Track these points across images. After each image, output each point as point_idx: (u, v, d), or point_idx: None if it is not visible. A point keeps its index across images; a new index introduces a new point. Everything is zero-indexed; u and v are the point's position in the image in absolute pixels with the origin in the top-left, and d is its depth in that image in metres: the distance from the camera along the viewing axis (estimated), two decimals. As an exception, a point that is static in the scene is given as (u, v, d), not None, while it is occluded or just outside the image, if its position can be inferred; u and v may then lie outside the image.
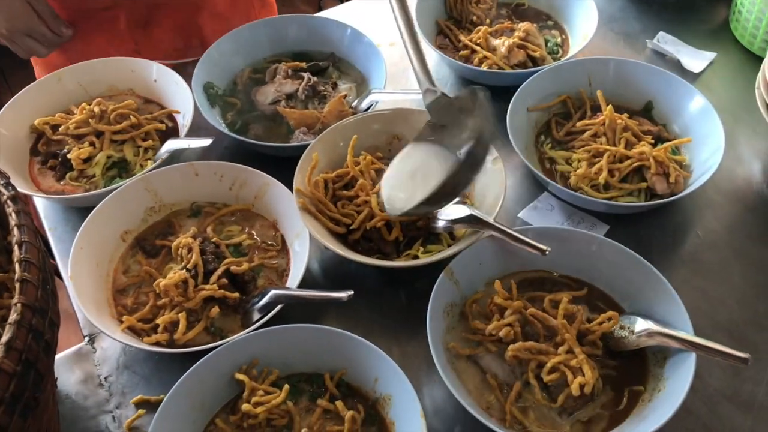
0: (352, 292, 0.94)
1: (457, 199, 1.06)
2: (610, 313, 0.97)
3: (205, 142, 1.17)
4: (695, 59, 1.43)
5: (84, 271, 1.03)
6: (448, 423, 0.94)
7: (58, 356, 1.01)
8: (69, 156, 1.20)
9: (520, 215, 1.18)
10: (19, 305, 0.68)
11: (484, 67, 1.34)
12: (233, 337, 0.94)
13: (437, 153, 1.03)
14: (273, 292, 1.00)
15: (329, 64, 1.40)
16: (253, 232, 1.13)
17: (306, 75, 1.34)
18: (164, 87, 1.32)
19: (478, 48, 1.38)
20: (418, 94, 1.27)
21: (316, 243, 1.05)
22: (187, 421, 0.89)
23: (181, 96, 1.28)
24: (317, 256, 1.13)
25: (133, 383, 1.00)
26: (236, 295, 1.03)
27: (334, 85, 1.35)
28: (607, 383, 0.94)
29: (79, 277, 1.01)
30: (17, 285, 0.69)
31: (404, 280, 1.09)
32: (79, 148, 1.20)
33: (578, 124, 1.23)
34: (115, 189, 1.11)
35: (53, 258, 1.16)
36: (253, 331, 0.94)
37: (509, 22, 1.45)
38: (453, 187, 1.00)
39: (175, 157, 1.22)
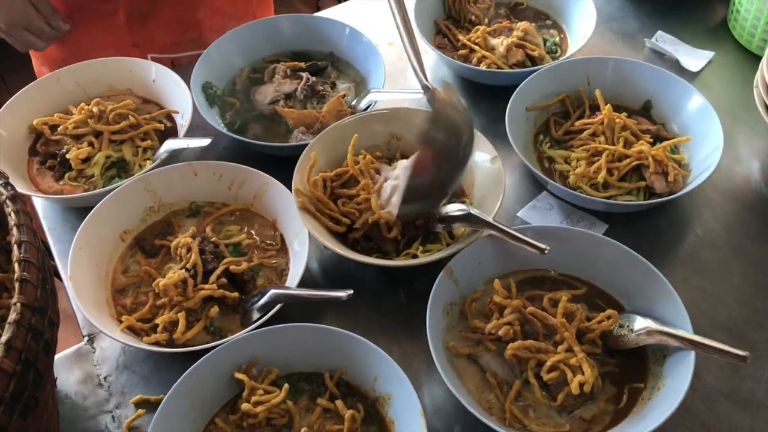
0: (352, 292, 0.94)
1: (448, 196, 1.07)
2: (609, 311, 0.97)
3: (204, 141, 1.17)
4: (693, 58, 1.43)
5: (83, 271, 1.03)
6: (448, 422, 0.94)
7: (57, 356, 1.01)
8: (68, 156, 1.20)
9: (519, 214, 1.18)
10: (18, 305, 0.68)
11: (482, 67, 1.34)
12: (233, 336, 0.94)
13: None
14: (272, 291, 1.00)
15: (328, 64, 1.40)
16: (252, 231, 1.13)
17: (305, 75, 1.34)
18: (163, 87, 1.32)
19: (476, 47, 1.38)
20: (417, 93, 1.28)
21: (316, 242, 1.05)
22: (186, 421, 0.89)
23: (179, 96, 1.28)
24: (316, 256, 1.13)
25: (133, 383, 1.00)
26: (235, 294, 1.03)
27: (333, 85, 1.35)
28: (609, 381, 0.94)
29: (78, 277, 1.01)
30: (17, 285, 0.69)
31: (404, 279, 1.10)
32: (78, 148, 1.20)
33: (577, 123, 1.23)
34: (114, 189, 1.11)
35: (52, 258, 1.16)
36: (252, 330, 0.94)
37: (508, 21, 1.45)
38: (440, 186, 1.03)
39: (174, 157, 1.22)
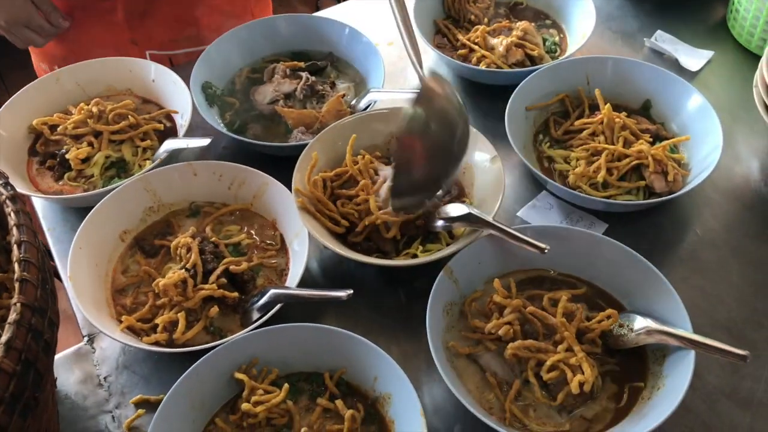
0: (352, 291, 0.94)
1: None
2: (609, 311, 0.97)
3: (204, 141, 1.17)
4: (693, 58, 1.43)
5: (83, 271, 1.03)
6: (448, 421, 0.94)
7: (57, 356, 1.01)
8: (67, 156, 1.20)
9: (518, 214, 1.18)
10: (18, 305, 0.68)
11: (482, 66, 1.34)
12: (233, 336, 0.94)
13: None
14: (272, 291, 1.00)
15: (327, 64, 1.40)
16: (252, 231, 1.13)
17: (304, 74, 1.34)
18: (162, 87, 1.32)
19: (476, 47, 1.38)
20: (416, 93, 1.27)
21: (315, 242, 1.05)
22: (186, 421, 0.89)
23: (179, 96, 1.28)
24: (316, 256, 1.13)
25: (133, 383, 1.00)
26: (235, 294, 1.03)
27: (333, 85, 1.35)
28: (609, 380, 0.94)
29: (78, 277, 1.01)
30: (17, 285, 0.69)
31: (403, 279, 1.10)
32: (78, 148, 1.20)
33: (576, 122, 1.23)
34: (114, 189, 1.11)
35: (51, 259, 1.16)
36: (252, 330, 0.94)
37: (507, 21, 1.45)
38: (433, 180, 1.02)
39: (174, 156, 1.22)
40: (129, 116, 1.24)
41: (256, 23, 1.42)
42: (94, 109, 1.23)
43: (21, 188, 1.14)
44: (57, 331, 0.77)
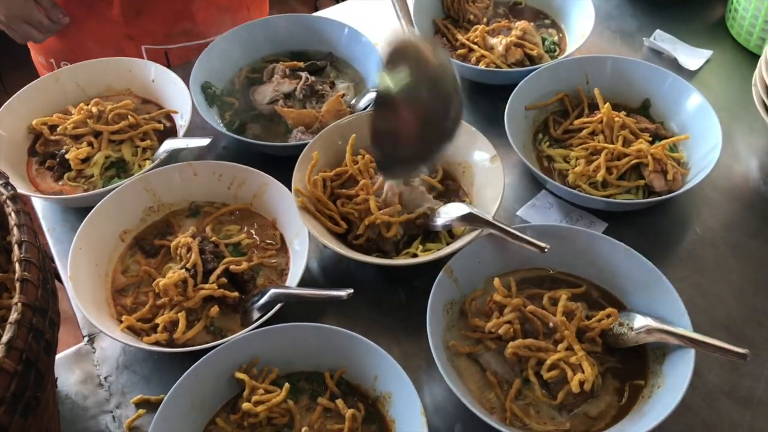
0: (352, 291, 0.94)
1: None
2: (609, 310, 0.97)
3: (204, 141, 1.17)
4: (692, 57, 1.43)
5: (83, 271, 1.03)
6: (449, 421, 0.94)
7: (57, 356, 1.00)
8: (67, 156, 1.19)
9: (518, 213, 1.18)
10: (19, 305, 0.68)
11: (481, 66, 1.34)
12: (233, 336, 0.94)
13: None
14: (272, 291, 1.00)
15: (327, 64, 1.40)
16: (252, 231, 1.13)
17: (304, 74, 1.34)
18: (162, 87, 1.32)
19: (475, 47, 1.38)
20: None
21: (316, 242, 1.05)
22: (187, 421, 0.89)
23: (178, 96, 1.28)
24: (316, 255, 1.13)
25: (133, 383, 1.00)
26: (236, 294, 1.03)
27: (332, 85, 1.35)
28: (610, 376, 0.95)
29: (78, 278, 1.01)
30: (17, 284, 0.69)
31: (403, 278, 1.10)
32: (77, 149, 1.20)
33: (576, 122, 1.24)
34: (114, 189, 1.11)
35: (52, 259, 1.16)
36: (252, 330, 0.94)
37: (506, 20, 1.45)
38: (424, 152, 0.94)
39: (174, 157, 1.22)
40: (129, 116, 1.24)
41: (255, 23, 1.42)
42: (94, 109, 1.24)
43: (21, 188, 1.14)
44: (58, 331, 0.77)
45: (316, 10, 2.02)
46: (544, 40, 1.42)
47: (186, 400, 0.88)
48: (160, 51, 1.53)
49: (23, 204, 0.78)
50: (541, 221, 1.15)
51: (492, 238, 1.02)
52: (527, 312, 0.96)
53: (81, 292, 1.00)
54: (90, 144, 1.21)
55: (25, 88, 1.29)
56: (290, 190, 1.08)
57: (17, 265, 0.71)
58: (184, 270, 1.03)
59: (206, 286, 1.01)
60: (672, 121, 1.25)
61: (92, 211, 1.08)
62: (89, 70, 1.34)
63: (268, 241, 1.12)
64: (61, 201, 1.20)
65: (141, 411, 0.96)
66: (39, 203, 1.24)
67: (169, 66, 1.53)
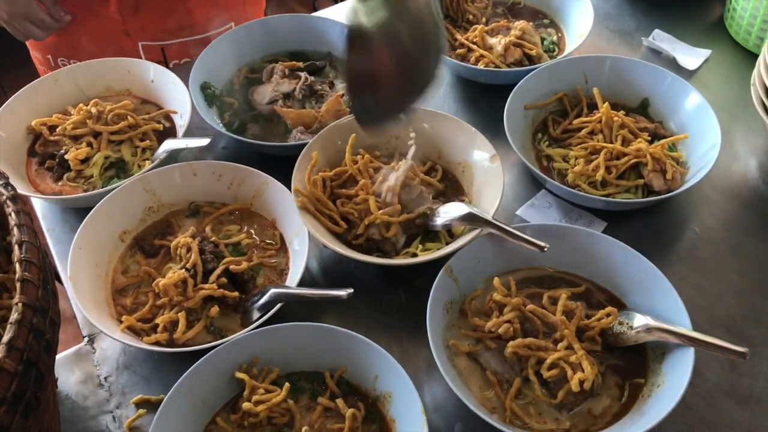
0: (352, 290, 0.94)
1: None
2: (608, 309, 0.97)
3: (203, 141, 1.17)
4: (690, 56, 1.43)
5: (83, 271, 1.03)
6: (449, 420, 0.94)
7: (57, 357, 1.00)
8: (66, 157, 1.19)
9: (518, 213, 1.18)
10: (20, 305, 0.68)
11: (480, 66, 1.34)
12: (233, 336, 0.94)
13: None
14: (272, 290, 1.00)
15: (326, 64, 1.41)
16: (252, 231, 1.13)
17: (303, 74, 1.34)
18: (161, 87, 1.32)
19: (474, 47, 1.38)
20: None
21: (315, 241, 1.05)
22: (187, 421, 0.89)
23: (178, 96, 1.28)
24: (316, 255, 1.13)
25: (133, 383, 1.00)
26: (236, 294, 1.03)
27: (331, 85, 1.36)
28: (611, 373, 0.95)
29: (78, 278, 1.01)
30: (18, 285, 0.69)
31: (403, 278, 1.10)
32: (77, 149, 1.20)
33: (575, 121, 1.24)
34: (113, 189, 1.11)
35: (51, 260, 1.16)
36: (252, 329, 0.94)
37: (505, 20, 1.45)
38: (400, 100, 0.87)
39: (173, 157, 1.22)
40: (128, 117, 1.24)
41: (254, 23, 1.42)
42: (93, 110, 1.24)
43: (20, 189, 1.14)
44: (58, 331, 0.77)
45: (315, 10, 2.02)
46: (543, 39, 1.43)
47: (186, 400, 0.88)
48: (156, 47, 1.53)
49: (23, 204, 0.78)
50: (541, 221, 1.16)
51: (491, 237, 1.02)
52: (527, 311, 0.96)
53: (81, 292, 1.00)
54: (89, 144, 1.21)
55: (24, 88, 1.29)
56: (290, 190, 1.08)
57: (17, 265, 0.71)
58: (184, 270, 1.03)
59: (206, 286, 1.02)
60: (671, 120, 1.26)
61: (92, 211, 1.08)
62: (88, 70, 1.34)
63: (268, 241, 1.12)
64: (61, 201, 1.20)
65: (141, 411, 0.96)
66: (38, 204, 1.24)
67: (166, 62, 1.54)
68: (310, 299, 0.99)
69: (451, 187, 1.17)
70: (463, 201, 1.11)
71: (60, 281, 1.07)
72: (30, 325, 0.68)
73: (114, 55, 1.38)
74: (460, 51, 1.40)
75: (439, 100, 1.39)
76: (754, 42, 1.42)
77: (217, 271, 1.03)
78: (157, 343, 0.98)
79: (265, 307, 0.99)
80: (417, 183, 1.11)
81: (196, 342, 0.98)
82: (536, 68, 1.27)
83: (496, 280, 0.99)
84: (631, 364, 0.95)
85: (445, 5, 1.49)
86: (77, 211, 1.19)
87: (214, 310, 1.00)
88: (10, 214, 0.76)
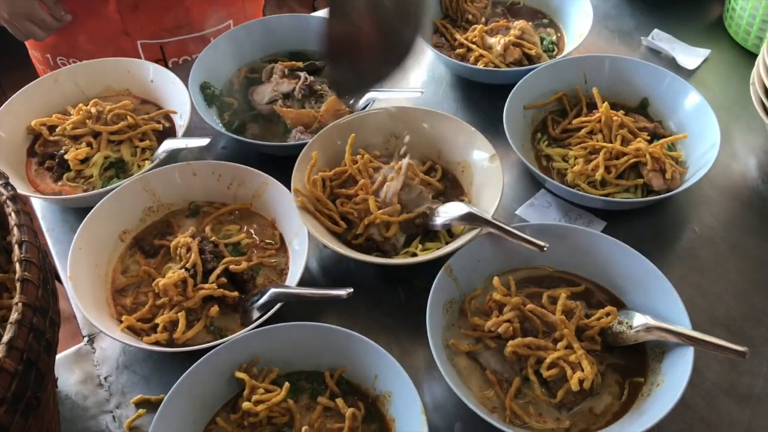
0: (352, 290, 0.94)
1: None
2: (608, 308, 0.97)
3: (203, 141, 1.18)
4: (690, 56, 1.43)
5: (83, 271, 1.03)
6: (449, 419, 0.94)
7: (57, 357, 1.00)
8: (66, 157, 1.19)
9: (517, 212, 1.18)
10: (20, 304, 0.68)
11: (480, 66, 1.34)
12: (233, 335, 0.94)
13: None
14: (272, 290, 1.00)
15: (325, 64, 1.40)
16: (252, 231, 1.13)
17: (302, 74, 1.34)
18: (161, 87, 1.32)
19: (473, 46, 1.38)
20: (415, 92, 1.29)
21: (315, 241, 1.05)
22: (187, 420, 0.89)
23: (177, 96, 1.28)
24: (316, 255, 1.13)
25: (133, 383, 1.00)
26: (235, 294, 1.03)
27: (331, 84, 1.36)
28: (610, 377, 0.95)
29: (77, 278, 1.01)
30: (18, 284, 0.69)
31: (403, 277, 1.10)
32: (77, 149, 1.20)
33: (574, 121, 1.24)
34: (113, 189, 1.11)
35: (51, 260, 1.16)
36: (252, 329, 0.94)
37: (504, 20, 1.45)
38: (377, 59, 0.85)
39: (173, 157, 1.22)
40: (128, 117, 1.24)
41: (254, 23, 1.42)
42: (93, 110, 1.24)
43: (20, 189, 1.14)
44: (58, 331, 0.77)
45: (315, 10, 2.03)
46: (542, 39, 1.43)
47: (186, 399, 0.88)
48: (155, 45, 1.53)
49: (23, 204, 0.78)
50: (540, 220, 1.16)
51: (491, 237, 1.02)
52: (527, 311, 0.96)
53: (81, 292, 1.00)
54: (89, 144, 1.21)
55: (24, 88, 1.29)
56: (289, 189, 1.08)
57: (17, 265, 0.71)
58: (183, 270, 1.03)
59: (206, 285, 1.02)
60: (670, 120, 1.26)
61: (91, 211, 1.08)
62: (88, 70, 1.34)
63: (268, 241, 1.12)
64: (61, 201, 1.20)
65: (141, 411, 0.96)
66: (38, 204, 1.24)
67: (165, 60, 1.54)
68: (310, 299, 0.99)
69: (451, 187, 1.17)
70: (462, 201, 1.11)
71: (60, 281, 1.07)
72: (30, 325, 0.68)
73: (113, 54, 1.39)
74: (459, 51, 1.40)
75: (439, 100, 1.39)
76: (753, 41, 1.42)
77: (217, 271, 1.03)
78: (156, 343, 0.98)
79: (265, 306, 0.99)
80: (417, 183, 1.11)
81: (195, 342, 0.98)
82: (535, 68, 1.28)
83: (496, 280, 0.99)
84: (630, 363, 0.96)
85: (445, 5, 1.49)
86: (77, 211, 1.19)
87: (214, 309, 1.00)
88: (10, 214, 0.76)
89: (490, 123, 1.27)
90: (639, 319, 0.95)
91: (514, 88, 1.23)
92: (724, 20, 1.51)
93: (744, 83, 1.29)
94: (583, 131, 1.21)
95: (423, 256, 1.03)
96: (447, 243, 1.07)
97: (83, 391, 1.00)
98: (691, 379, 0.86)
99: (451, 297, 1.00)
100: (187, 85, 1.27)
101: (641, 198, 1.14)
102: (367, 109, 1.25)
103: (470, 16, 1.47)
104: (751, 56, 1.42)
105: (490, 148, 1.12)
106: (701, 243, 1.14)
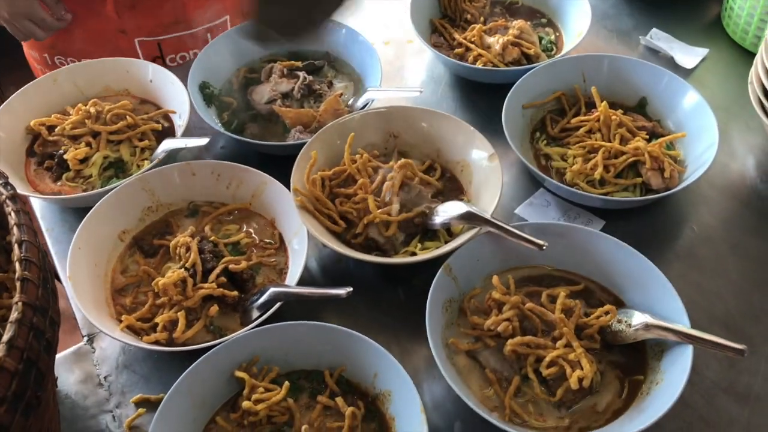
0: (351, 289, 0.94)
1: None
2: (607, 306, 0.97)
3: (202, 141, 1.18)
4: (688, 55, 1.44)
5: (82, 271, 1.03)
6: (448, 418, 0.94)
7: (57, 356, 1.00)
8: (65, 157, 1.20)
9: (516, 211, 1.18)
10: (20, 304, 0.68)
11: (478, 65, 1.35)
12: (233, 335, 0.94)
13: None
14: (272, 289, 1.00)
15: (324, 63, 1.41)
16: (251, 230, 1.13)
17: (301, 74, 1.34)
18: (160, 87, 1.32)
19: (472, 46, 1.38)
20: (414, 91, 1.29)
21: (315, 241, 1.05)
22: (187, 420, 0.89)
23: (177, 96, 1.28)
24: (315, 254, 1.13)
25: (133, 382, 1.00)
26: (235, 293, 1.03)
27: (330, 84, 1.36)
28: (610, 375, 0.95)
29: (77, 277, 1.01)
30: (18, 284, 0.69)
31: (402, 276, 1.10)
32: (76, 149, 1.20)
33: (573, 120, 1.24)
34: (112, 189, 1.11)
35: (50, 259, 1.16)
36: (252, 328, 0.94)
37: (503, 19, 1.45)
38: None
39: (172, 156, 1.22)
40: (127, 116, 1.24)
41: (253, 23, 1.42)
42: (92, 110, 1.24)
43: (19, 189, 1.14)
44: (58, 330, 0.77)
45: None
46: (540, 39, 1.43)
47: (186, 399, 0.88)
48: (153, 42, 1.54)
49: (23, 204, 0.78)
50: (539, 219, 1.16)
51: (490, 236, 1.02)
52: (526, 309, 0.96)
53: (80, 292, 1.00)
54: (88, 144, 1.21)
55: (23, 88, 1.29)
56: (289, 189, 1.08)
57: (17, 265, 0.71)
58: (183, 269, 1.03)
59: (205, 285, 1.02)
60: (669, 119, 1.26)
61: (91, 211, 1.08)
62: (87, 70, 1.34)
63: (267, 240, 1.12)
64: (60, 201, 1.20)
65: (141, 410, 0.96)
66: (37, 204, 1.24)
67: (162, 57, 1.54)
68: (310, 298, 0.99)
69: (450, 186, 1.17)
70: (461, 200, 1.11)
71: (59, 281, 1.07)
72: (30, 324, 0.68)
73: (111, 53, 1.39)
74: (458, 50, 1.40)
75: (438, 100, 1.39)
76: (751, 41, 1.42)
77: (217, 271, 1.03)
78: (156, 343, 0.98)
79: (265, 306, 0.99)
80: (416, 182, 1.12)
81: (195, 341, 0.98)
82: (534, 67, 1.28)
83: (495, 279, 0.99)
84: (630, 361, 0.96)
85: (443, 5, 1.49)
86: (76, 211, 1.19)
87: (214, 309, 1.00)
88: (10, 214, 0.76)
89: (489, 122, 1.27)
90: (638, 318, 0.95)
91: (513, 88, 1.23)
92: (722, 19, 1.51)
93: (742, 82, 1.29)
94: (581, 130, 1.21)
95: (422, 256, 1.03)
96: (446, 242, 1.07)
97: (83, 390, 1.00)
98: (690, 377, 0.86)
99: (450, 296, 1.00)
100: (186, 85, 1.27)
101: (640, 197, 1.14)
102: (366, 108, 1.25)
103: (469, 16, 1.47)
104: (750, 55, 1.42)
105: (489, 148, 1.12)
106: (700, 242, 1.14)
